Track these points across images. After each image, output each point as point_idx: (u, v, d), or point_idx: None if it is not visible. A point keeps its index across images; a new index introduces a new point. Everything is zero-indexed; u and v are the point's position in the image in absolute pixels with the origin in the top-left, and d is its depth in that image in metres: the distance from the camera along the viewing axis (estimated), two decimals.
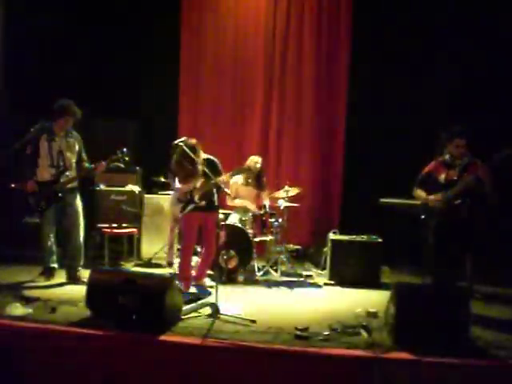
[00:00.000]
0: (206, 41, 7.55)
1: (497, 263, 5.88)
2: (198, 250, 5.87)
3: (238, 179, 6.46)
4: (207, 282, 5.43)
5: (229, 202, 6.46)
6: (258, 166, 6.41)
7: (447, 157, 4.84)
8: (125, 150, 5.29)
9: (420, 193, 4.97)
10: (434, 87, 6.66)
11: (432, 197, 4.82)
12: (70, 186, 5.31)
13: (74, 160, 5.35)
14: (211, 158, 5.26)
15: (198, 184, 5.10)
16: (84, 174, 5.45)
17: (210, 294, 4.97)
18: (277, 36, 7.39)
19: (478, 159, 4.73)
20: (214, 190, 5.24)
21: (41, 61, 7.01)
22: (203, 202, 5.12)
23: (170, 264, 6.32)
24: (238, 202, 6.37)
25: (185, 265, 5.23)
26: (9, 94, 7.06)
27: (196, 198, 5.09)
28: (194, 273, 5.38)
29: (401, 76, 6.77)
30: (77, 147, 5.38)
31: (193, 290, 5.17)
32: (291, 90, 7.41)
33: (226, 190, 5.28)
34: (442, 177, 4.81)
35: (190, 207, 5.08)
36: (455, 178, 4.74)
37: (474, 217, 4.73)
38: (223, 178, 5.11)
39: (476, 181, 4.61)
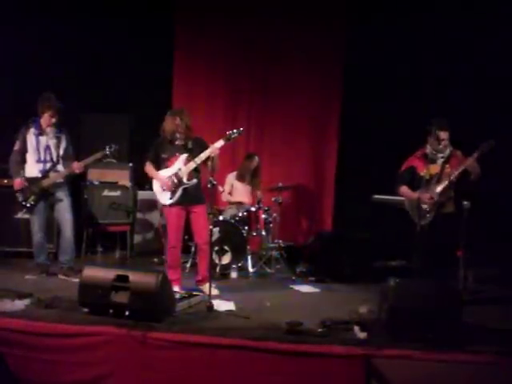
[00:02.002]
0: (200, 41, 7.48)
1: (488, 259, 5.91)
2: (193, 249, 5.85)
3: (234, 175, 6.48)
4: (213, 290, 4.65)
5: (223, 198, 6.48)
6: (254, 163, 6.43)
7: (428, 150, 4.64)
8: (113, 145, 5.27)
9: (406, 190, 4.77)
10: (430, 84, 6.66)
11: (424, 196, 4.60)
12: (58, 180, 5.30)
13: (62, 155, 5.34)
14: (198, 136, 4.97)
15: (182, 163, 4.77)
16: (71, 171, 5.36)
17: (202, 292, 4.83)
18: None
19: (459, 150, 4.62)
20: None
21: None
22: (194, 180, 4.79)
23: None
24: (232, 198, 6.37)
25: (173, 265, 4.87)
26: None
27: (185, 178, 4.78)
28: (199, 277, 4.95)
29: (398, 72, 6.75)
30: (64, 143, 5.36)
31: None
32: (284, 88, 7.36)
33: (218, 186, 4.90)
34: (424, 172, 4.61)
35: (180, 191, 4.76)
36: (438, 173, 4.57)
37: (461, 211, 4.65)
38: (216, 144, 4.66)
39: (463, 173, 4.48)
